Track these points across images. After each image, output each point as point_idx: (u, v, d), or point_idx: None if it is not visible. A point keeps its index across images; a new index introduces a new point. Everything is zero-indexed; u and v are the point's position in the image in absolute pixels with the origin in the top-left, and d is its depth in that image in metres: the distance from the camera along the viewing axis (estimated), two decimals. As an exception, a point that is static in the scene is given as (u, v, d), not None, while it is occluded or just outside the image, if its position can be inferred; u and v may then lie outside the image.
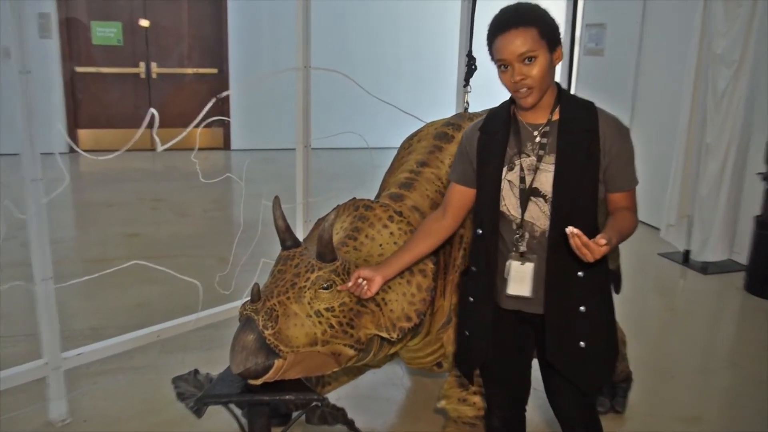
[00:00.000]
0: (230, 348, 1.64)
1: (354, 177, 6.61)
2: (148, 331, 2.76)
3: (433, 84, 8.31)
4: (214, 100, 2.60)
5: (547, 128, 1.68)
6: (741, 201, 4.47)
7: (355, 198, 2.08)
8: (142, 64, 7.83)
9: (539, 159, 1.68)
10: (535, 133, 1.69)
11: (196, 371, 2.26)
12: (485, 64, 2.98)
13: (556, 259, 1.67)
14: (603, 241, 1.47)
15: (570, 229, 1.49)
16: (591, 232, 1.58)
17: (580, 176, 1.65)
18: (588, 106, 1.71)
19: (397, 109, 3.37)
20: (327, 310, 1.71)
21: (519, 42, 1.59)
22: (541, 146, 1.68)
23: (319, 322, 1.69)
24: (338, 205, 2.10)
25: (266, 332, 1.63)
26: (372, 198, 2.18)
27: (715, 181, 4.36)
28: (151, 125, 2.30)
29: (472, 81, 2.78)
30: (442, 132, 2.29)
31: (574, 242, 1.49)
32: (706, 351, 3.39)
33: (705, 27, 4.32)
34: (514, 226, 1.72)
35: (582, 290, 1.69)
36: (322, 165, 6.84)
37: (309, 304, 1.69)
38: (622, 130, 1.70)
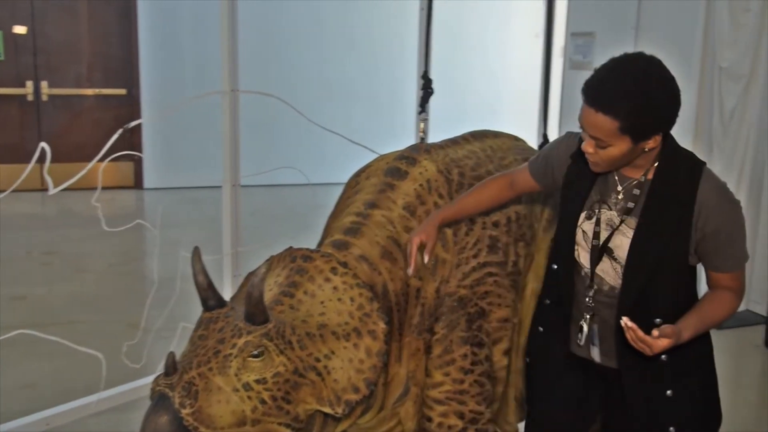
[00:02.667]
0: (140, 432, 1.69)
1: (293, 220, 6.68)
2: (36, 419, 2.75)
3: (389, 109, 8.48)
4: (121, 130, 2.66)
5: (636, 189, 1.82)
6: (757, 241, 4.63)
7: (291, 247, 2.15)
8: (30, 84, 7.82)
9: (622, 218, 1.83)
10: (619, 188, 1.85)
11: (98, 465, 2.28)
12: (444, 88, 3.15)
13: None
14: (659, 336, 1.65)
15: (624, 321, 1.66)
16: (671, 306, 1.79)
17: (663, 249, 1.79)
18: (692, 169, 1.80)
19: (344, 139, 3.49)
20: (258, 382, 1.76)
21: (592, 125, 1.71)
22: (628, 205, 1.83)
23: (249, 397, 1.74)
24: (272, 256, 2.17)
25: (183, 411, 1.67)
26: (313, 246, 2.27)
27: (727, 218, 4.54)
28: (41, 161, 2.34)
29: (429, 106, 2.93)
30: (394, 167, 2.37)
31: (629, 335, 1.66)
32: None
33: (708, 36, 4.53)
34: (583, 273, 1.93)
35: (665, 369, 1.89)
36: (255, 206, 6.91)
37: (236, 375, 1.74)
38: (725, 203, 1.79)
